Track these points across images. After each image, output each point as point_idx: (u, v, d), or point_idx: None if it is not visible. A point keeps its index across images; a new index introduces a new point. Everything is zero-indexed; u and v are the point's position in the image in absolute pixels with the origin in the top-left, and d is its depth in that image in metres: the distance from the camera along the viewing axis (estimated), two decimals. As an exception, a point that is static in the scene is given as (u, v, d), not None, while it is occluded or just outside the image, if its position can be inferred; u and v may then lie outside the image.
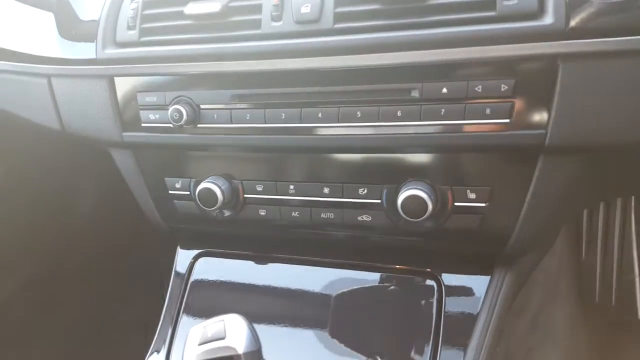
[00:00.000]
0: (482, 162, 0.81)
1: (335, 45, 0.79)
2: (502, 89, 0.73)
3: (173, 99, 0.90)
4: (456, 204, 0.83)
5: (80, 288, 1.65)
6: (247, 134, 0.88)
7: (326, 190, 0.89)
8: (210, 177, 0.94)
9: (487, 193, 0.81)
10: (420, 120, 0.78)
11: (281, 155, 0.91)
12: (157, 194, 1.02)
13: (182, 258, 1.07)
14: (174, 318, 1.01)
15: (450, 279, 0.92)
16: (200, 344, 0.58)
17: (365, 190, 0.87)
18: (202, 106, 0.89)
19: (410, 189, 0.81)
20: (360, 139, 0.82)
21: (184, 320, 1.00)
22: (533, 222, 0.82)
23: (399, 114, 0.79)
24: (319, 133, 0.84)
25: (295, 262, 1.01)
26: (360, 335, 0.91)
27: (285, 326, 0.94)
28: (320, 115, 0.83)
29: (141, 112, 0.94)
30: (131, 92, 0.94)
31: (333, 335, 0.92)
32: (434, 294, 0.91)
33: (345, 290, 0.96)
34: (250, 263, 1.03)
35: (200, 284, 1.04)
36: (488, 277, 0.91)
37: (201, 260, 1.06)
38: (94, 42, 0.94)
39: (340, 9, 0.78)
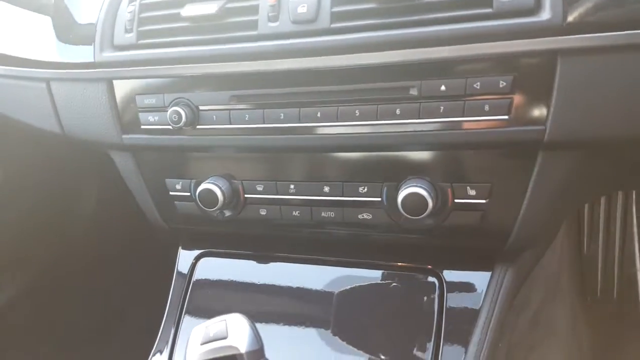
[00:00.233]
0: (482, 158, 0.81)
1: (333, 45, 0.79)
2: (501, 86, 0.73)
3: (172, 101, 0.90)
4: (456, 200, 0.83)
5: (83, 290, 1.65)
6: (246, 135, 0.88)
7: (326, 189, 0.89)
8: (210, 178, 0.94)
9: (487, 189, 0.81)
10: (419, 118, 0.78)
11: (281, 155, 0.91)
12: (157, 196, 1.02)
13: (184, 258, 1.07)
14: (177, 319, 1.01)
15: (452, 275, 0.92)
16: (202, 344, 0.58)
17: (365, 189, 0.87)
18: (201, 107, 0.89)
19: (410, 186, 0.81)
20: (359, 137, 0.82)
21: (187, 320, 1.00)
22: (533, 217, 0.82)
23: (397, 112, 0.79)
24: (318, 132, 0.84)
25: (296, 261, 1.01)
26: (362, 333, 0.92)
27: (288, 325, 0.94)
28: (319, 114, 0.83)
29: (140, 114, 0.94)
30: (130, 95, 0.94)
31: (335, 332, 0.93)
32: (435, 291, 0.92)
33: (347, 288, 0.96)
34: (252, 263, 1.03)
35: (202, 284, 1.04)
36: (489, 273, 0.91)
37: (203, 260, 1.06)
38: (91, 45, 0.94)
39: (336, 9, 0.78)
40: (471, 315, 0.89)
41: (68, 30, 1.01)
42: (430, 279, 0.92)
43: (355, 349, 0.91)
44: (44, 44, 1.02)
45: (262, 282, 1.01)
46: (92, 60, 0.94)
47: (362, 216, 0.89)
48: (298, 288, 0.98)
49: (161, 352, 0.99)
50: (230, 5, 0.83)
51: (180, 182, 0.99)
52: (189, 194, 0.98)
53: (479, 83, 0.74)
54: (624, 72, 0.69)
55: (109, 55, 0.93)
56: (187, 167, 0.98)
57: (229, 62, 0.85)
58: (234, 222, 0.97)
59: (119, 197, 1.20)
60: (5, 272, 1.59)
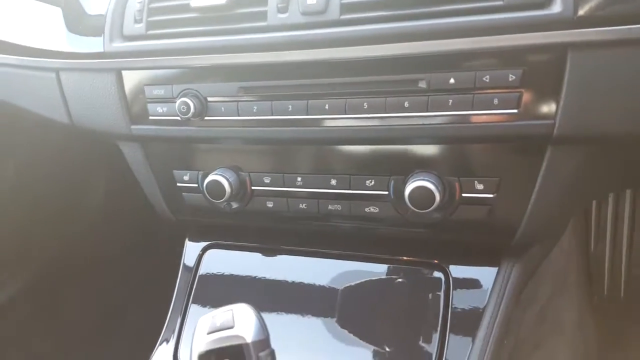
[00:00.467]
0: (490, 152, 0.81)
1: (342, 37, 0.78)
2: (510, 79, 0.73)
3: (180, 92, 0.90)
4: (464, 195, 0.83)
5: (90, 281, 1.67)
6: (254, 126, 0.88)
7: (333, 181, 0.89)
8: (218, 170, 0.94)
9: (495, 184, 0.81)
10: (427, 111, 0.78)
11: (288, 147, 0.91)
12: (165, 187, 1.03)
13: (191, 250, 1.08)
14: (183, 309, 1.01)
15: (458, 270, 0.92)
16: (208, 333, 0.58)
17: (373, 182, 0.87)
18: (209, 99, 0.89)
19: (418, 180, 0.81)
20: (367, 130, 0.82)
21: (193, 311, 1.01)
22: (541, 213, 0.82)
23: (406, 104, 0.79)
24: (325, 125, 0.84)
25: (303, 254, 1.01)
26: (367, 326, 0.92)
27: (293, 316, 0.94)
28: (327, 107, 0.83)
29: (149, 105, 0.94)
30: (139, 85, 0.94)
31: (340, 325, 0.93)
32: (441, 286, 0.91)
33: (353, 281, 0.96)
34: (258, 255, 1.03)
35: (209, 275, 1.04)
36: (496, 269, 0.91)
37: (209, 252, 1.06)
38: (101, 36, 0.94)
39: (346, 0, 0.78)
40: (477, 310, 0.89)
41: (78, 21, 1.01)
42: (437, 273, 0.92)
43: (360, 342, 0.91)
44: (54, 34, 1.02)
45: (268, 274, 1.01)
46: (101, 50, 0.94)
47: (369, 209, 0.88)
48: (304, 281, 0.98)
49: (167, 342, 0.99)
50: None
51: (188, 174, 0.99)
52: (196, 185, 0.98)
53: (488, 76, 0.74)
54: (634, 66, 0.69)
55: (119, 45, 0.93)
56: (195, 158, 0.98)
57: (237, 53, 0.85)
58: (241, 214, 0.97)
59: (126, 188, 1.20)
60: (11, 264, 1.60)
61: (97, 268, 1.65)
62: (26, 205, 1.55)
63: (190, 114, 0.89)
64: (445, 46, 0.75)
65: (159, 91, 0.92)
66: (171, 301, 1.03)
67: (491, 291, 0.90)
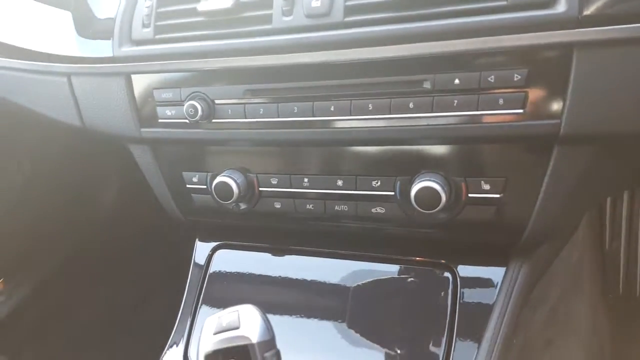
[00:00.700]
0: (496, 152, 0.81)
1: (346, 39, 0.79)
2: (515, 79, 0.73)
3: (188, 95, 0.91)
4: (470, 195, 0.83)
5: (102, 280, 1.69)
6: (261, 128, 0.89)
7: (340, 182, 0.89)
8: (226, 171, 0.95)
9: (502, 184, 0.81)
10: (432, 111, 0.78)
11: (295, 149, 0.92)
12: (175, 188, 1.04)
13: (201, 250, 1.09)
14: (193, 310, 1.03)
15: (466, 270, 0.92)
16: (215, 333, 0.59)
17: (379, 183, 0.87)
18: (216, 101, 0.90)
19: (424, 180, 0.81)
20: (372, 131, 0.83)
21: (203, 311, 1.02)
22: (549, 212, 0.82)
23: (411, 105, 0.79)
24: (331, 126, 0.85)
25: (310, 254, 1.02)
26: (374, 327, 0.92)
27: (300, 317, 0.95)
28: (332, 108, 0.83)
29: (158, 108, 0.95)
30: (148, 89, 0.95)
31: (347, 325, 0.93)
32: (449, 286, 0.91)
33: (360, 281, 0.96)
34: (267, 255, 1.04)
35: (219, 275, 1.06)
36: (504, 269, 0.91)
37: (219, 252, 1.08)
38: (110, 40, 0.96)
39: (350, 2, 0.78)
40: (485, 310, 0.89)
41: (88, 25, 1.03)
42: (444, 273, 0.92)
43: (366, 342, 0.91)
44: (64, 39, 1.04)
45: (276, 274, 1.02)
46: (111, 54, 0.96)
47: (376, 210, 0.89)
48: (312, 281, 0.99)
49: (177, 341, 1.01)
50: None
51: (197, 175, 1.00)
52: (205, 186, 0.99)
53: (493, 76, 0.74)
54: (641, 65, 0.68)
55: (127, 49, 0.94)
56: (204, 160, 1.00)
57: (243, 56, 0.85)
58: (249, 214, 0.98)
59: (137, 189, 1.22)
60: (25, 265, 1.63)
61: (109, 268, 1.67)
62: (39, 206, 1.58)
63: (198, 117, 0.90)
64: (449, 47, 0.74)
65: (167, 94, 0.94)
66: (182, 301, 1.05)
67: (499, 291, 0.90)
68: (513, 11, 0.71)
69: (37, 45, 1.06)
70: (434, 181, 0.80)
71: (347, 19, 0.78)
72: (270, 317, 0.66)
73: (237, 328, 0.59)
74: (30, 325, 1.60)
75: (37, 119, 1.12)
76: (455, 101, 0.77)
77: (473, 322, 0.89)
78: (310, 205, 0.93)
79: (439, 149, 0.83)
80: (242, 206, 0.98)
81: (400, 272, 0.95)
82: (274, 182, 0.94)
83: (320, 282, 0.98)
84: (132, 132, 0.99)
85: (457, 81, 0.76)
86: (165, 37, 0.91)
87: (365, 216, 0.90)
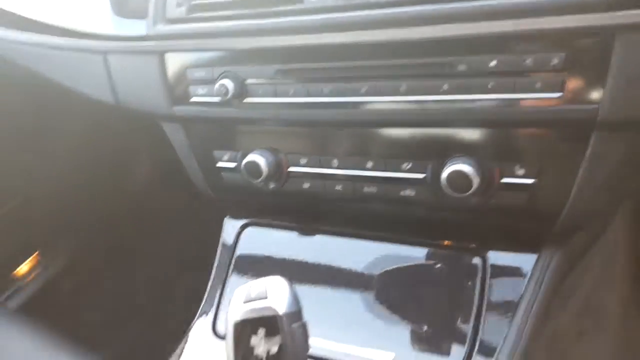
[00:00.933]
0: (532, 137, 0.79)
1: (380, 19, 0.77)
2: (554, 62, 0.70)
3: (220, 74, 0.92)
4: (503, 180, 0.81)
5: (132, 255, 1.74)
6: (291, 109, 0.89)
7: (369, 164, 0.89)
8: (256, 150, 0.96)
9: (536, 169, 0.79)
10: (467, 94, 0.76)
11: (325, 129, 0.92)
12: (205, 166, 1.05)
13: (229, 228, 1.11)
14: (222, 283, 1.05)
15: (496, 256, 0.90)
16: (244, 303, 0.60)
17: (410, 165, 0.86)
18: (247, 81, 0.90)
19: (455, 164, 0.80)
20: (404, 113, 0.81)
21: (231, 285, 1.04)
22: (585, 200, 0.79)
23: (445, 87, 0.77)
24: (362, 107, 0.84)
25: (338, 235, 1.02)
26: (399, 308, 0.92)
27: (326, 295, 0.96)
28: (364, 89, 0.82)
29: (190, 86, 0.96)
30: (181, 68, 0.96)
31: (372, 306, 0.94)
32: (478, 271, 0.90)
33: (388, 263, 0.96)
34: (295, 234, 1.05)
35: (246, 252, 1.07)
36: (535, 256, 0.89)
37: (247, 230, 1.09)
38: (145, 18, 0.97)
39: None
40: (514, 298, 0.88)
41: (123, 4, 1.04)
42: (474, 258, 0.91)
43: (391, 324, 0.91)
44: (100, 18, 1.05)
45: (303, 253, 1.03)
46: (145, 33, 0.97)
47: (405, 193, 0.88)
48: (338, 261, 0.99)
49: (206, 313, 1.03)
50: None
51: (227, 154, 1.01)
52: (235, 165, 1.00)
53: (530, 59, 0.71)
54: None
55: (162, 28, 0.95)
56: (234, 139, 1.00)
57: (275, 36, 0.85)
58: (278, 194, 0.99)
59: (168, 167, 1.24)
60: (60, 239, 1.69)
61: (140, 243, 1.71)
62: (73, 181, 1.63)
63: (229, 96, 0.90)
64: (487, 28, 0.72)
65: (199, 73, 0.94)
66: (210, 276, 1.07)
67: (529, 279, 0.88)
68: None
69: (74, 24, 1.08)
70: (466, 164, 0.79)
71: None
72: (297, 291, 0.67)
73: (265, 298, 0.60)
74: (64, 297, 1.66)
75: (71, 96, 1.15)
76: (491, 84, 0.75)
77: (502, 309, 0.88)
78: (339, 186, 0.93)
79: (472, 133, 0.82)
80: (271, 185, 0.98)
81: (428, 256, 0.94)
82: (303, 162, 0.94)
83: (346, 263, 0.99)
84: (165, 110, 1.01)
85: (493, 63, 0.74)
86: (199, 16, 0.91)
87: (394, 199, 0.89)
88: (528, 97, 0.74)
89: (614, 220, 1.16)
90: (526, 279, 0.88)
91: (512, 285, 0.89)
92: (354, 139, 0.90)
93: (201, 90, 0.95)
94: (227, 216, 1.13)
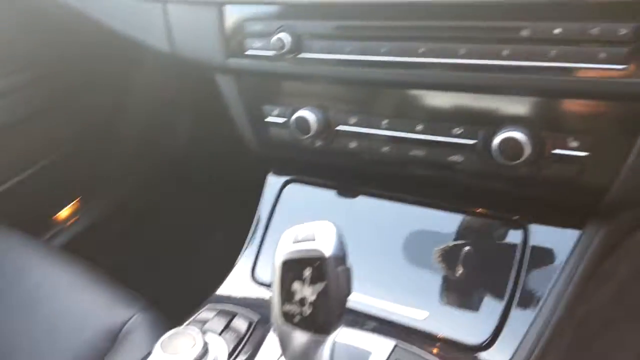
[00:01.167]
0: (588, 109, 0.77)
1: None
2: (621, 33, 0.69)
3: (277, 28, 0.92)
4: (554, 151, 0.80)
5: (174, 204, 1.78)
6: (346, 66, 0.90)
7: (420, 127, 0.89)
8: (306, 107, 0.97)
9: (590, 142, 0.78)
10: (527, 60, 0.75)
11: (377, 90, 0.92)
12: (254, 121, 1.07)
13: (272, 183, 1.13)
14: (261, 235, 1.07)
15: (537, 229, 0.89)
16: (292, 243, 0.62)
17: (460, 130, 0.86)
18: (304, 36, 0.91)
19: (508, 131, 0.79)
20: (460, 76, 0.81)
21: (270, 236, 1.07)
22: (636, 178, 0.78)
23: (505, 52, 0.76)
24: (418, 68, 0.84)
25: (379, 197, 1.03)
26: (436, 272, 0.93)
27: (363, 253, 0.96)
28: (421, 50, 0.82)
29: (246, 39, 0.97)
30: (238, 20, 0.97)
31: (409, 267, 0.95)
32: (517, 244, 0.90)
33: (427, 228, 0.97)
34: (336, 193, 1.07)
35: (287, 208, 1.09)
36: (578, 232, 0.88)
37: (290, 186, 1.11)
38: None
39: None
40: (550, 275, 0.87)
41: None
42: (515, 230, 0.91)
43: (425, 285, 0.92)
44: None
45: (343, 212, 1.04)
46: None
47: (453, 158, 0.88)
48: (377, 222, 1.00)
49: (246, 261, 1.06)
50: None
51: (277, 109, 1.02)
52: (284, 120, 1.02)
53: (597, 28, 0.70)
54: None
55: None
56: (285, 95, 1.02)
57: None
58: (324, 151, 1.00)
59: (214, 120, 1.26)
60: (107, 185, 1.74)
61: (181, 195, 1.76)
62: (118, 131, 1.67)
63: (285, 50, 0.91)
64: (554, -7, 0.71)
65: (256, 26, 0.95)
66: (251, 227, 1.09)
67: (569, 256, 0.88)
68: None
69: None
70: (518, 132, 0.79)
71: None
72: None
73: (312, 240, 0.61)
74: (105, 241, 1.72)
75: (126, 43, 1.17)
76: (553, 51, 0.74)
77: (536, 285, 0.87)
78: (386, 148, 0.93)
79: (527, 101, 0.81)
80: (318, 143, 0.99)
81: (468, 224, 0.95)
82: (352, 121, 0.95)
83: (385, 224, 1.00)
84: (219, 61, 1.02)
85: (557, 31, 0.72)
86: None
87: (441, 163, 0.89)
88: (590, 68, 0.72)
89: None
90: (565, 256, 0.88)
91: (551, 261, 0.89)
92: (405, 101, 0.90)
93: (257, 43, 0.96)
94: (271, 172, 1.15)
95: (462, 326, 0.87)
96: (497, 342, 0.85)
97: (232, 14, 0.98)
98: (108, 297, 1.21)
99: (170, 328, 0.81)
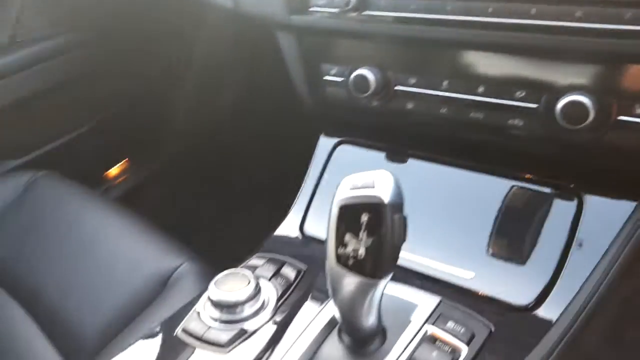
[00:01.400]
0: None
1: None
2: None
3: None
4: (620, 117, 0.79)
5: (224, 163, 1.82)
6: (410, 24, 0.90)
7: (481, 89, 0.88)
8: (365, 66, 0.97)
9: None
10: (600, 23, 0.74)
11: (439, 50, 0.92)
12: (311, 79, 1.08)
13: (324, 143, 1.14)
14: (311, 192, 1.09)
15: (592, 199, 0.88)
16: (351, 189, 0.63)
17: (523, 93, 0.85)
18: None
19: (573, 94, 0.78)
20: (528, 38, 0.80)
21: (320, 194, 1.08)
22: None
23: (577, 14, 0.75)
24: (485, 28, 0.83)
25: (431, 160, 1.03)
26: (484, 235, 0.92)
27: (414, 214, 0.96)
28: (490, 9, 0.82)
29: None
30: None
31: (457, 229, 0.94)
32: (571, 212, 0.89)
33: (479, 192, 0.96)
34: (388, 155, 1.07)
35: (338, 168, 1.11)
36: (634, 204, 0.87)
37: (342, 147, 1.12)
38: None
39: None
40: (599, 248, 0.86)
41: None
42: (569, 198, 0.90)
43: (472, 247, 0.92)
44: None
45: (395, 173, 1.04)
46: None
47: (514, 122, 0.87)
48: (428, 185, 1.00)
49: (295, 216, 1.08)
50: None
51: (335, 68, 1.03)
52: (341, 79, 1.03)
53: None
54: None
55: None
56: (344, 53, 1.02)
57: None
58: (380, 111, 1.00)
59: (270, 78, 1.28)
60: (149, 148, 1.79)
61: (231, 155, 1.80)
62: (173, 92, 1.71)
63: (349, 7, 0.92)
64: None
65: None
66: (302, 184, 1.11)
67: (622, 228, 0.86)
68: None
69: None
70: (584, 96, 0.78)
71: None
72: None
73: (372, 187, 0.63)
74: (156, 197, 1.78)
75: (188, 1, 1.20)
76: (628, 14, 0.72)
77: (585, 255, 0.86)
78: (444, 109, 0.93)
79: (595, 65, 0.80)
80: (375, 102, 1.00)
81: (520, 189, 0.94)
82: (412, 81, 0.95)
83: (436, 187, 1.00)
84: (281, 17, 1.04)
85: None
86: None
87: (500, 126, 0.89)
88: (665, 33, 0.71)
89: None
90: (619, 227, 0.87)
91: (602, 233, 0.87)
92: (467, 63, 0.90)
93: (321, 0, 0.97)
94: (323, 134, 1.16)
95: (508, 288, 0.87)
96: (542, 306, 0.84)
97: None
98: (159, 246, 1.26)
99: None
